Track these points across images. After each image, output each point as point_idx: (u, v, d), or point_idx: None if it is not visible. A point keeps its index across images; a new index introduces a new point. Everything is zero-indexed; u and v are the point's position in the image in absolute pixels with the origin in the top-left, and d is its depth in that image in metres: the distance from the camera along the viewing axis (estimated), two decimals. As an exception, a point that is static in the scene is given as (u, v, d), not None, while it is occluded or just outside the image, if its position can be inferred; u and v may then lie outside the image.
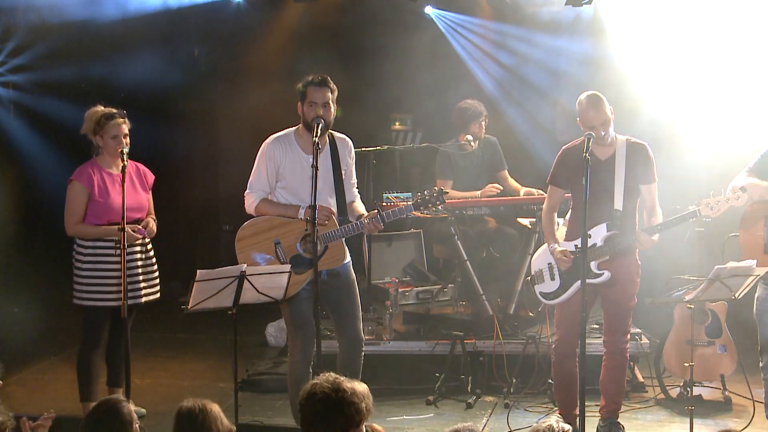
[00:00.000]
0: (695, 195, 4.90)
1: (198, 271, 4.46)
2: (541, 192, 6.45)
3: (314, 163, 4.65)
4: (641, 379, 6.25)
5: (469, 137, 6.79)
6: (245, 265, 4.61)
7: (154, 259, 5.56)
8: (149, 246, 5.52)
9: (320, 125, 4.79)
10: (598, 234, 4.92)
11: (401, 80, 8.66)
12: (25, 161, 8.77)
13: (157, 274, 5.58)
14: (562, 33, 8.53)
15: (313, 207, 4.65)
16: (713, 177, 5.61)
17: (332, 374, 3.21)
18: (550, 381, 5.76)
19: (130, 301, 5.12)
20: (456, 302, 6.98)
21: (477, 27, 8.90)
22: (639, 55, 7.72)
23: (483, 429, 5.46)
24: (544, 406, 5.79)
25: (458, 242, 6.56)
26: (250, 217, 5.06)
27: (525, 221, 6.71)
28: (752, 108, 7.05)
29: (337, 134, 5.13)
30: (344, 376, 3.23)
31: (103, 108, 5.39)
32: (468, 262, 6.59)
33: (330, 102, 4.92)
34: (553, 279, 5.14)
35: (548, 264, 5.17)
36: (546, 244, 5.21)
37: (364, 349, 5.14)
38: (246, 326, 7.09)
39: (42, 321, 7.81)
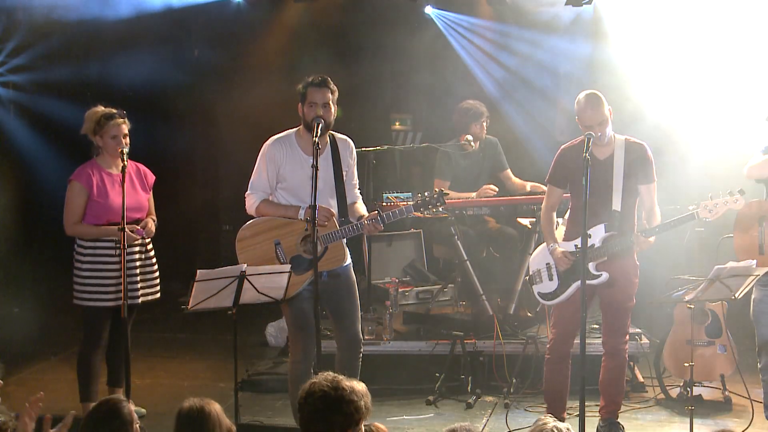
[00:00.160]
0: (695, 196, 4.91)
1: (198, 271, 4.47)
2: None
3: (314, 163, 4.65)
4: (641, 379, 6.24)
5: (469, 137, 6.79)
6: (245, 264, 4.61)
7: (154, 259, 5.57)
8: (149, 246, 5.52)
9: (320, 125, 4.78)
10: (596, 235, 4.91)
11: (401, 80, 8.65)
12: (25, 161, 8.76)
13: (157, 274, 5.58)
14: (562, 33, 8.53)
15: (313, 207, 4.64)
16: (712, 179, 5.61)
17: (331, 373, 3.19)
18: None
19: (129, 301, 5.13)
20: (456, 302, 6.98)
21: (477, 27, 8.89)
22: (639, 55, 7.72)
23: (483, 429, 5.46)
24: (544, 406, 5.77)
25: (458, 242, 6.56)
26: (251, 217, 5.06)
27: (525, 221, 6.70)
28: (752, 109, 7.02)
29: (338, 135, 5.13)
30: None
31: (103, 108, 5.39)
32: (468, 262, 6.58)
33: (330, 102, 4.92)
34: (551, 279, 5.13)
35: (546, 264, 5.16)
36: (544, 244, 5.21)
37: (363, 349, 5.15)
38: (246, 326, 7.09)
39: (42, 321, 7.81)
